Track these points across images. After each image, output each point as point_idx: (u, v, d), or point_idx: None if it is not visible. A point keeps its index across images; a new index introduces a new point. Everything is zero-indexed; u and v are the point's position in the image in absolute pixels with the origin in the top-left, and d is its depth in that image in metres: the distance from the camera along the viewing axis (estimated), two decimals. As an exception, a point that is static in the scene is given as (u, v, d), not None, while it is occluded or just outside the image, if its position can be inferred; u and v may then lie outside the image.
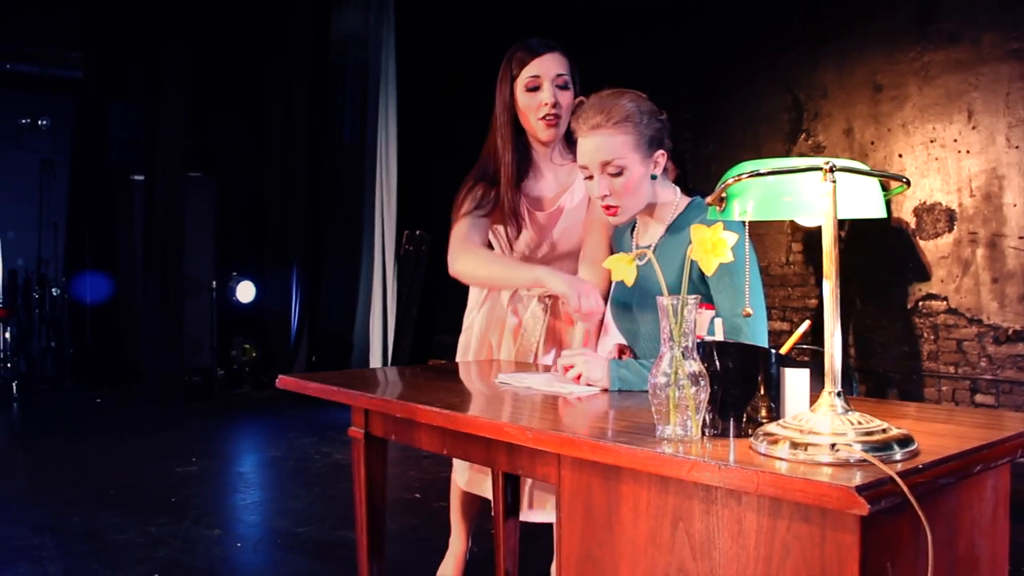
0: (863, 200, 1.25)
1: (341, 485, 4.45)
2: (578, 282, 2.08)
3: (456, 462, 2.56)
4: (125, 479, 4.59)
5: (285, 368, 7.63)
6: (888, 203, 4.19)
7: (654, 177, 1.92)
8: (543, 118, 2.25)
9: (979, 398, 5.06)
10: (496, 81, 2.35)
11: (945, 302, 5.18)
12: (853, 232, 5.51)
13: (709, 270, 1.24)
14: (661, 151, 1.91)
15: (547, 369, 2.22)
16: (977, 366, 5.06)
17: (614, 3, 6.68)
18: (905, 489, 1.02)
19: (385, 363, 7.45)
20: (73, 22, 8.31)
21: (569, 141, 2.29)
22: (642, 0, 6.53)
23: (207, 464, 5.03)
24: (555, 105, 2.24)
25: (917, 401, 5.11)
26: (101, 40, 8.35)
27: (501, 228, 2.37)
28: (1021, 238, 4.87)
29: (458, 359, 2.58)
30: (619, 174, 1.86)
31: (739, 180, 1.21)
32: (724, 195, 1.24)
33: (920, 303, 5.29)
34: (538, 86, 2.25)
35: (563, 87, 2.27)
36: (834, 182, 1.16)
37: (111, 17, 8.31)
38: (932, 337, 5.24)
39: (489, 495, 2.48)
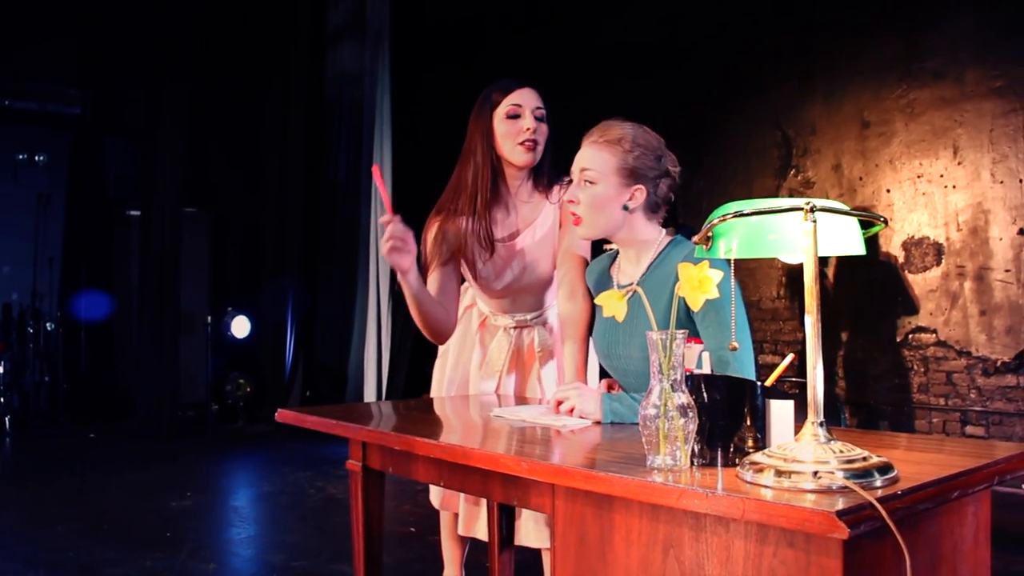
0: (843, 238, 1.31)
1: (336, 519, 4.46)
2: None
3: (441, 510, 2.61)
4: (119, 513, 4.59)
5: (279, 403, 7.64)
6: (876, 238, 4.26)
7: (628, 208, 1.97)
8: (522, 143, 2.35)
9: (969, 429, 5.11)
10: (475, 116, 2.44)
11: (934, 335, 5.24)
12: (843, 266, 5.58)
13: (696, 306, 1.29)
14: (639, 186, 1.98)
15: (540, 402, 2.28)
16: (967, 398, 5.11)
17: (606, 41, 6.80)
18: (884, 514, 1.06)
19: (380, 397, 7.47)
20: (72, 59, 8.42)
21: (537, 181, 2.45)
22: (634, 39, 6.64)
23: (202, 498, 5.03)
24: (535, 131, 2.36)
25: (908, 433, 5.15)
26: (99, 77, 8.45)
27: (468, 254, 2.43)
28: (1008, 271, 4.94)
29: (433, 386, 2.66)
30: (592, 185, 1.97)
31: (724, 220, 1.27)
32: (710, 234, 1.29)
33: (910, 336, 5.34)
34: (519, 114, 2.36)
35: (540, 119, 2.39)
36: (814, 222, 1.21)
37: (109, 54, 8.43)
38: (922, 369, 5.29)
39: (477, 535, 2.53)
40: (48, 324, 8.12)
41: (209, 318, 7.95)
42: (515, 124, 2.36)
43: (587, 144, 2.01)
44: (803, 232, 1.22)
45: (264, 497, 5.22)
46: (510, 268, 2.45)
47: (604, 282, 2.16)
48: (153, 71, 7.75)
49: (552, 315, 2.58)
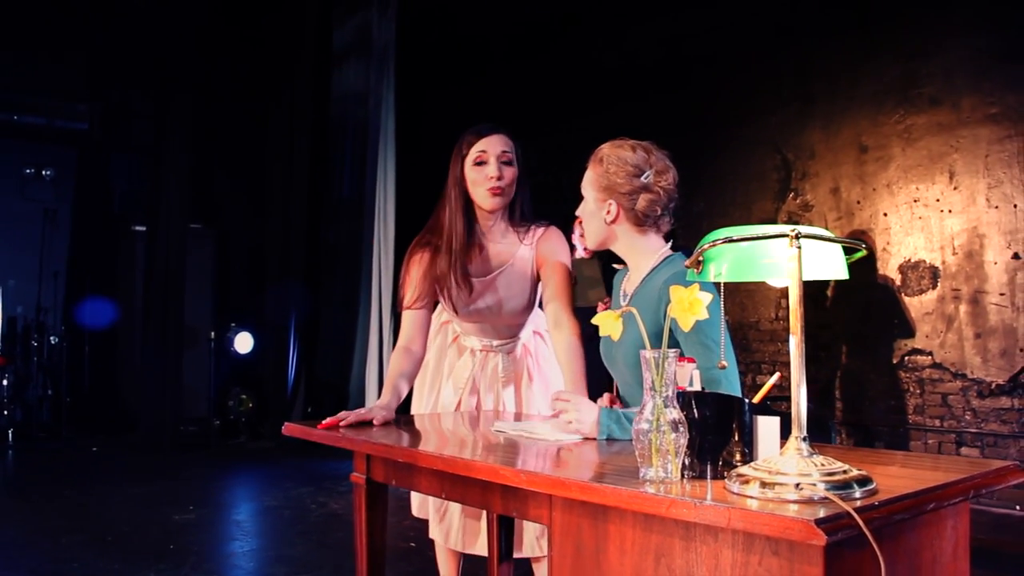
0: (827, 263, 1.38)
1: (337, 534, 4.51)
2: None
3: (432, 523, 2.69)
4: (123, 526, 4.65)
5: (281, 418, 7.65)
6: (873, 261, 4.33)
7: (607, 222, 2.12)
8: (488, 189, 2.46)
9: (964, 451, 5.16)
10: (452, 161, 2.57)
11: (930, 357, 5.30)
12: (841, 289, 5.65)
13: (686, 327, 1.36)
14: (611, 200, 2.09)
15: (537, 417, 2.37)
16: (962, 419, 5.17)
17: (609, 65, 6.90)
18: (860, 523, 1.13)
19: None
20: (80, 75, 8.52)
21: (511, 220, 2.57)
22: (635, 62, 6.74)
23: (204, 512, 5.09)
24: (499, 178, 2.46)
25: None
26: (107, 93, 8.55)
27: (444, 290, 2.56)
28: (1002, 295, 5.00)
29: (414, 399, 2.79)
30: (584, 200, 2.17)
31: (714, 245, 1.34)
32: (701, 258, 1.37)
33: (906, 358, 5.40)
34: (485, 160, 2.47)
35: (507, 163, 2.49)
36: (799, 247, 1.28)
37: (117, 71, 8.53)
38: (918, 391, 5.35)
39: (475, 551, 2.61)
40: (52, 338, 8.18)
41: (212, 333, 8.02)
42: (482, 171, 2.47)
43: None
44: (788, 257, 1.29)
45: (266, 512, 5.27)
46: (483, 301, 2.57)
47: (617, 293, 2.29)
48: (160, 88, 7.86)
49: (520, 343, 2.74)
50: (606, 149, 2.12)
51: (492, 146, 2.48)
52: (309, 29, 8.39)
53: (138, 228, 8.29)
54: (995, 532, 4.43)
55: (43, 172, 8.53)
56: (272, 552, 4.32)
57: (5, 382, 7.69)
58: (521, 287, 2.58)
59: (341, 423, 2.19)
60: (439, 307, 2.69)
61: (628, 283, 2.23)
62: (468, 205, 2.54)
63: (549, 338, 2.65)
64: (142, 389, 7.59)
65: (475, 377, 2.69)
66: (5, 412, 7.58)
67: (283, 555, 4.21)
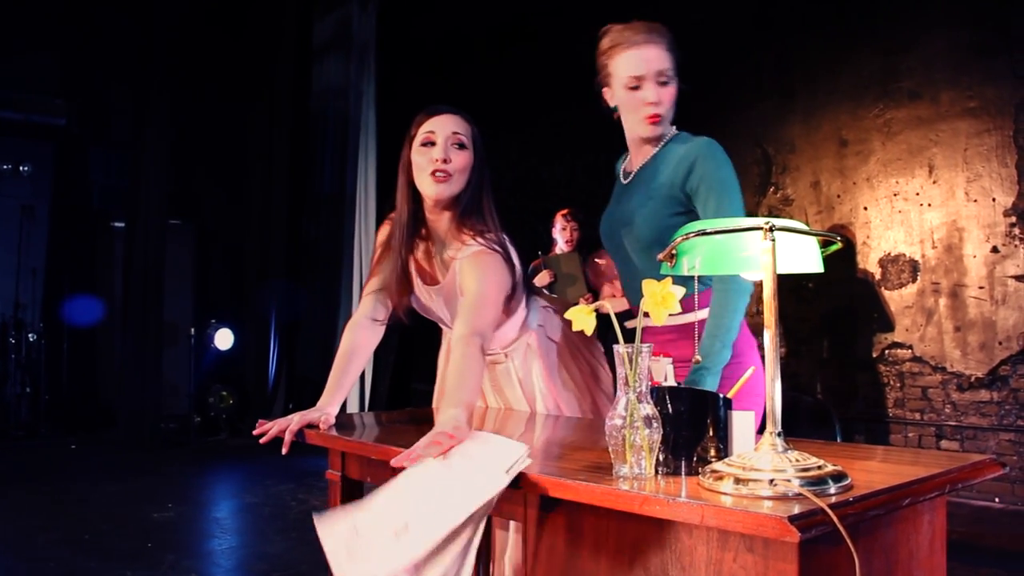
0: (802, 257, 1.37)
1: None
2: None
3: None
4: (101, 524, 4.61)
5: (262, 415, 7.64)
6: (853, 255, 4.33)
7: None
8: (432, 173, 2.13)
9: (944, 444, 5.18)
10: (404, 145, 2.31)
11: (910, 350, 5.32)
12: (821, 283, 5.65)
13: (659, 321, 1.34)
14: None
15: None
16: (942, 413, 5.18)
17: (590, 58, 6.87)
18: (835, 519, 1.12)
19: (362, 410, 7.49)
20: (57, 70, 8.44)
21: (463, 219, 2.19)
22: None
23: (183, 510, 5.05)
24: (446, 161, 2.13)
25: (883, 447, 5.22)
26: (84, 88, 8.47)
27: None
28: (981, 288, 5.02)
29: (434, 405, 2.66)
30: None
31: (687, 238, 1.33)
32: (675, 252, 1.35)
33: (886, 351, 5.42)
34: (432, 141, 2.15)
35: (459, 146, 2.16)
36: (773, 240, 1.27)
37: (94, 65, 8.45)
38: (898, 385, 5.36)
39: None
40: (31, 335, 8.11)
41: (192, 330, 7.97)
42: (427, 152, 2.15)
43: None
44: (762, 250, 1.28)
45: (246, 509, 5.24)
46: (433, 312, 2.33)
47: (618, 173, 2.39)
48: (138, 83, 7.79)
49: (521, 346, 2.40)
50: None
51: (442, 125, 2.16)
52: (289, 24, 8.35)
53: (117, 224, 8.23)
54: (974, 524, 4.45)
55: (20, 168, 8.44)
56: (251, 549, 4.29)
57: (-18, 380, 7.62)
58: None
59: (285, 437, 2.01)
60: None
61: (629, 164, 2.29)
62: (415, 196, 2.22)
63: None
64: (122, 386, 7.54)
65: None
66: (-18, 410, 7.53)
67: (262, 552, 4.19)
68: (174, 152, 7.94)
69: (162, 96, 7.69)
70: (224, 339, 8.33)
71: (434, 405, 2.64)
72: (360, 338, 2.29)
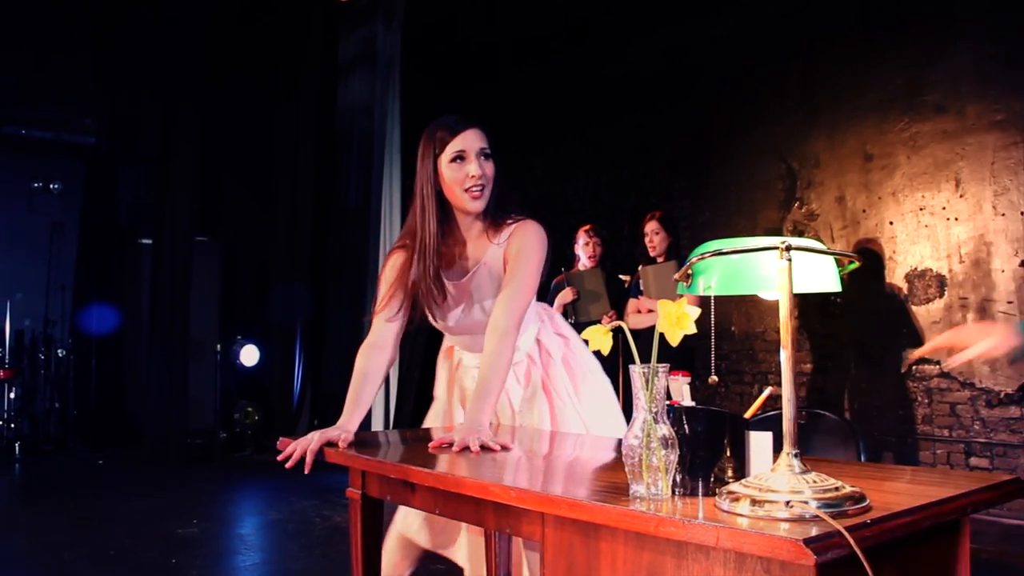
0: (820, 275, 1.36)
1: (341, 547, 4.49)
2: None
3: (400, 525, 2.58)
4: (126, 540, 4.63)
5: (287, 431, 7.68)
6: (880, 269, 4.29)
7: None
8: (468, 189, 2.25)
9: (974, 461, 5.11)
10: (421, 157, 2.35)
11: (938, 366, 5.26)
12: (848, 298, 5.60)
13: (674, 342, 1.34)
14: None
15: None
16: (971, 429, 5.12)
17: (613, 75, 6.89)
18: (852, 542, 1.10)
19: (387, 426, 7.50)
20: (87, 89, 8.55)
21: (485, 220, 2.34)
22: (639, 71, 6.73)
23: (208, 526, 5.07)
24: (481, 176, 2.25)
25: (912, 464, 5.17)
26: (113, 107, 8.59)
27: (422, 295, 2.37)
28: (1010, 303, 4.96)
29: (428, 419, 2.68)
30: None
31: (703, 258, 1.32)
32: (691, 271, 1.34)
33: (914, 367, 5.36)
34: (464, 157, 2.26)
35: (487, 157, 2.28)
36: (789, 260, 1.26)
37: (123, 85, 8.57)
38: (926, 401, 5.30)
39: (441, 550, 2.54)
40: (59, 351, 8.20)
41: (218, 346, 8.02)
42: (461, 168, 2.25)
43: None
44: (778, 270, 1.27)
45: (270, 525, 5.25)
46: (461, 308, 2.40)
47: None
48: (166, 102, 7.88)
49: (522, 353, 2.49)
50: None
51: (470, 142, 2.26)
52: (315, 42, 8.42)
53: (144, 241, 8.31)
54: (1004, 543, 4.38)
55: (51, 185, 8.55)
56: (275, 566, 4.30)
57: (12, 395, 7.70)
58: (496, 291, 2.34)
59: (307, 457, 2.08)
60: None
61: None
62: (443, 206, 2.32)
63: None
64: (148, 402, 7.59)
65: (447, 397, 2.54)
66: (12, 425, 7.60)
67: (286, 568, 4.19)
68: (201, 169, 8.01)
69: (189, 114, 7.77)
70: (250, 355, 8.38)
71: (438, 410, 2.66)
72: (374, 362, 2.35)
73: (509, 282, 2.26)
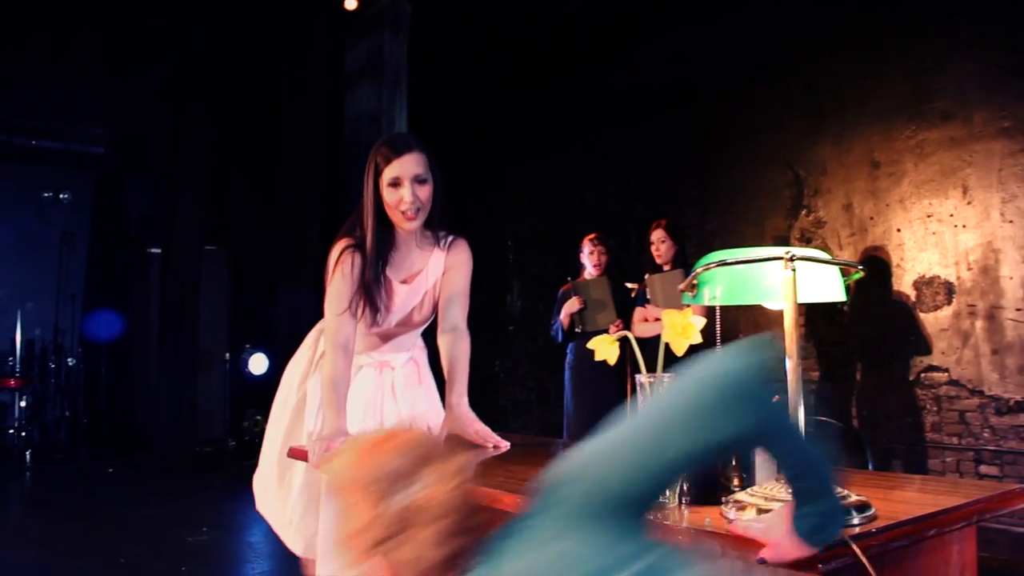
0: (824, 285, 1.37)
1: (349, 555, 4.49)
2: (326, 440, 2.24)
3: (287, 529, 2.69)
4: (136, 548, 4.65)
5: (296, 439, 7.68)
6: (888, 276, 4.28)
7: None
8: (403, 212, 2.39)
9: (983, 469, 5.09)
10: (367, 171, 2.49)
11: (947, 374, 5.25)
12: (856, 305, 5.60)
13: (679, 351, 1.35)
14: None
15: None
16: (980, 437, 5.10)
17: (619, 84, 6.91)
18: (857, 551, 1.11)
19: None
20: (96, 100, 8.61)
21: (427, 230, 2.54)
22: (645, 79, 6.75)
23: (218, 534, 5.08)
24: (414, 201, 2.39)
25: (921, 473, 5.16)
26: (122, 117, 8.64)
27: (366, 291, 2.49)
28: (1019, 310, 4.95)
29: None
30: None
31: (708, 268, 1.33)
32: (696, 282, 1.35)
33: (922, 375, 5.35)
34: (399, 184, 2.39)
35: (421, 182, 2.41)
36: (794, 270, 1.27)
37: (132, 95, 8.62)
38: (935, 408, 5.29)
39: None
40: (69, 360, 8.23)
41: (227, 355, 8.05)
42: (396, 193, 2.39)
43: None
44: (783, 280, 1.28)
45: (279, 533, 5.25)
46: (402, 309, 2.55)
47: None
48: (174, 113, 7.93)
49: (411, 356, 2.77)
50: None
51: (406, 169, 2.39)
52: (322, 52, 8.46)
53: (153, 250, 8.35)
54: (1014, 552, 4.36)
55: (60, 196, 8.61)
56: (284, 574, 4.31)
57: (23, 404, 7.74)
58: (432, 295, 2.59)
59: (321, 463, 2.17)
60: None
61: None
62: (386, 218, 2.46)
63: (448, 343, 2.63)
64: (158, 411, 7.61)
65: (376, 395, 2.65)
66: (23, 433, 7.64)
67: (295, 577, 4.20)
68: (209, 180, 8.05)
69: (197, 125, 7.81)
70: (258, 364, 8.40)
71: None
72: (348, 363, 2.47)
73: (458, 290, 2.57)
